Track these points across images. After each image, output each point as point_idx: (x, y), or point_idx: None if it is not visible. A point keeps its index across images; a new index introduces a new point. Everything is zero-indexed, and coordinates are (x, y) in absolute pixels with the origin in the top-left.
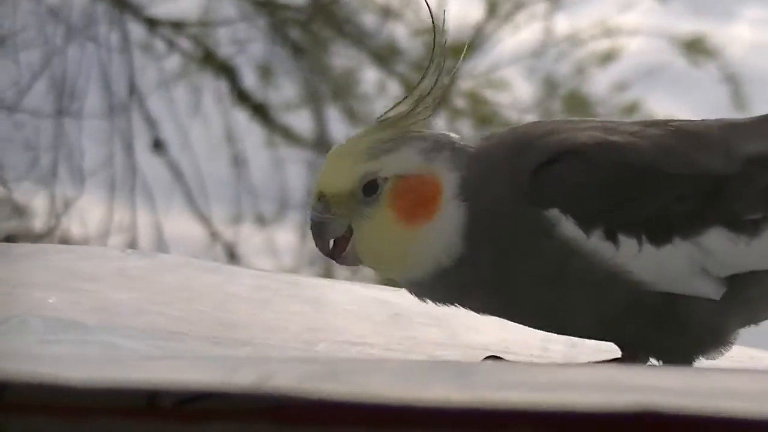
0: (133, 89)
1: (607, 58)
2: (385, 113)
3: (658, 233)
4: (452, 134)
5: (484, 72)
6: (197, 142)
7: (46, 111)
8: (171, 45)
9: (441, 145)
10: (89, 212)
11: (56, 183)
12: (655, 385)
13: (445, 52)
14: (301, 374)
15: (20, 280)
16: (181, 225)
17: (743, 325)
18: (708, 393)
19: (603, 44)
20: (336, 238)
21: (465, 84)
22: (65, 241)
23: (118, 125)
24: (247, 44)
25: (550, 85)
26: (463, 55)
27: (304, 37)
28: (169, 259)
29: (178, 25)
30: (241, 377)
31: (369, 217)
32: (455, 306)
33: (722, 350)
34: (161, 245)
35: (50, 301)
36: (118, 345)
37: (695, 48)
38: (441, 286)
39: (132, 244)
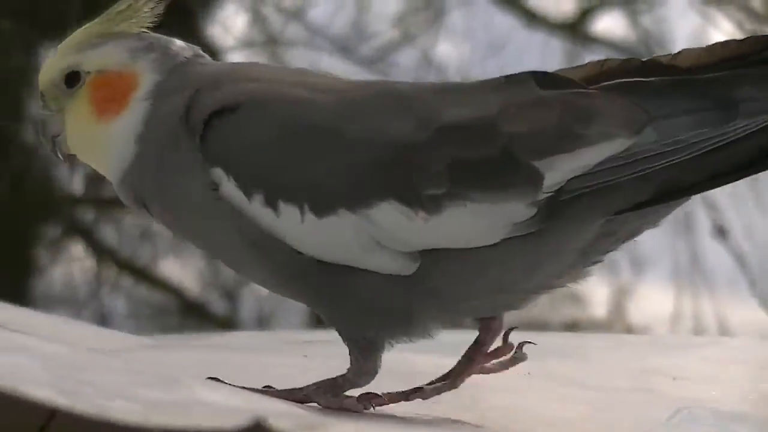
0: None
1: None
2: (110, 10)
3: (322, 202)
4: (180, 43)
5: None
6: (760, 228)
7: None
8: None
9: (152, 48)
10: (649, 299)
11: (617, 270)
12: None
13: None
14: None
15: (679, 373)
16: (746, 312)
17: (442, 317)
18: None
19: None
20: (57, 134)
21: None
22: (628, 329)
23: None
24: None
25: None
26: None
27: None
28: None
29: None
30: None
31: (72, 109)
32: (145, 211)
33: (413, 336)
34: (725, 332)
35: (712, 393)
36: None
37: None
38: (125, 188)
39: (696, 331)
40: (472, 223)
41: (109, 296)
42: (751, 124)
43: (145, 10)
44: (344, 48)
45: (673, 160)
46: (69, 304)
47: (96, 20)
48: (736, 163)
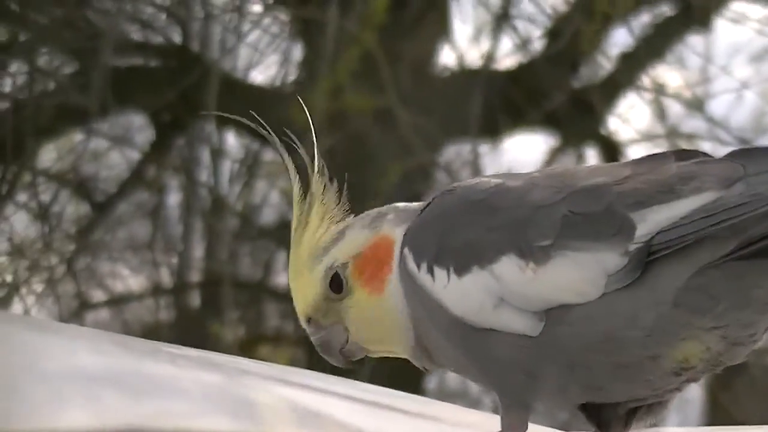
0: None
1: None
2: (294, 229)
3: (463, 262)
4: (399, 204)
5: None
6: None
7: None
8: None
9: (383, 213)
10: None
11: None
12: None
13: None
14: None
15: None
16: None
17: (569, 383)
18: None
19: None
20: (343, 345)
21: None
22: None
23: None
24: None
25: None
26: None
27: None
28: None
29: None
30: None
31: (351, 307)
32: (446, 370)
33: (551, 401)
34: None
35: None
36: None
37: None
38: (417, 356)
39: None
40: (572, 272)
41: None
42: None
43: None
44: (744, 140)
45: (756, 210)
46: (462, 396)
47: (298, 234)
48: None
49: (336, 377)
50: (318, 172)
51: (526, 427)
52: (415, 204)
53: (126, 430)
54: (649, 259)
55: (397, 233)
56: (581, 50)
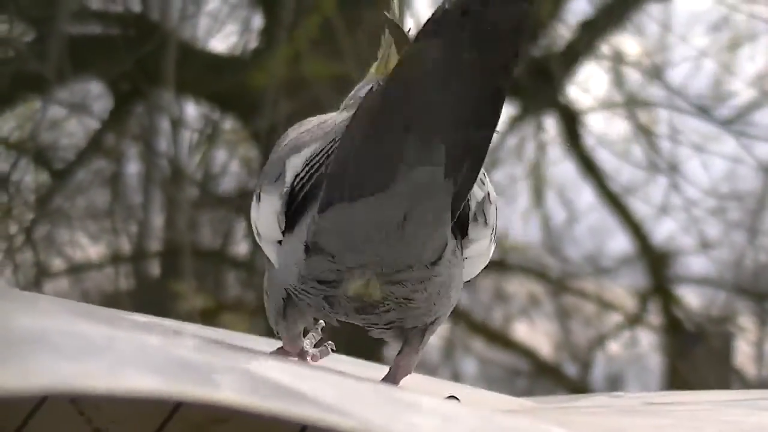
0: None
1: None
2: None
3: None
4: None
5: None
6: None
7: None
8: None
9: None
10: None
11: None
12: None
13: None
14: None
15: None
16: None
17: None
18: None
19: None
20: None
21: None
22: None
23: None
24: None
25: None
26: None
27: None
28: None
29: None
30: None
31: None
32: None
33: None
34: None
35: None
36: None
37: None
38: None
39: None
40: (265, 213)
41: (462, 359)
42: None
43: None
44: (702, 108)
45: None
46: (422, 367)
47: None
48: None
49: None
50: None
51: (299, 334)
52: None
53: (51, 388)
54: (297, 205)
55: None
56: (540, 19)
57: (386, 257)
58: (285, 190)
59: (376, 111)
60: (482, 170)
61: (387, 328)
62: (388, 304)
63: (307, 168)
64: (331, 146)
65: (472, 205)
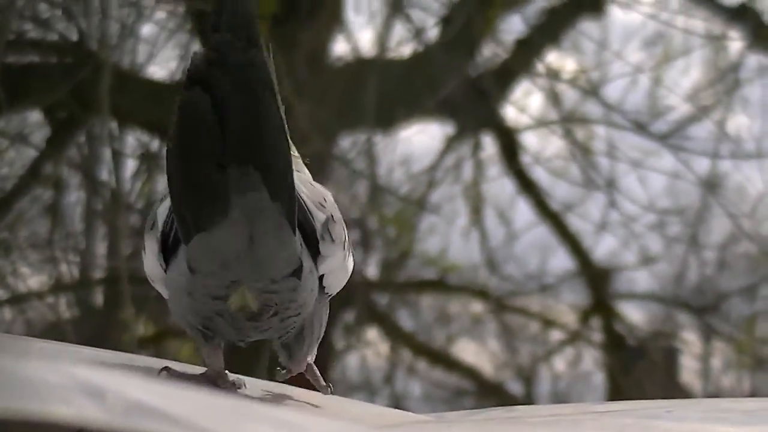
0: None
1: None
2: None
3: None
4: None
5: None
6: None
7: None
8: None
9: None
10: None
11: None
12: None
13: None
14: None
15: None
16: None
17: (204, 328)
18: None
19: None
20: None
21: None
22: None
23: None
24: None
25: None
26: None
27: None
28: None
29: None
30: None
31: None
32: None
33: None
34: None
35: None
36: None
37: None
38: None
39: None
40: (149, 258)
41: (404, 380)
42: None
43: None
44: (639, 124)
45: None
46: (364, 389)
47: None
48: None
49: (181, 363)
50: None
51: (219, 353)
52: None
53: None
54: (171, 245)
55: None
56: (476, 38)
57: (249, 273)
58: (158, 235)
59: (184, 157)
60: (323, 194)
61: (279, 337)
62: (269, 311)
63: (170, 212)
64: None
65: (318, 226)
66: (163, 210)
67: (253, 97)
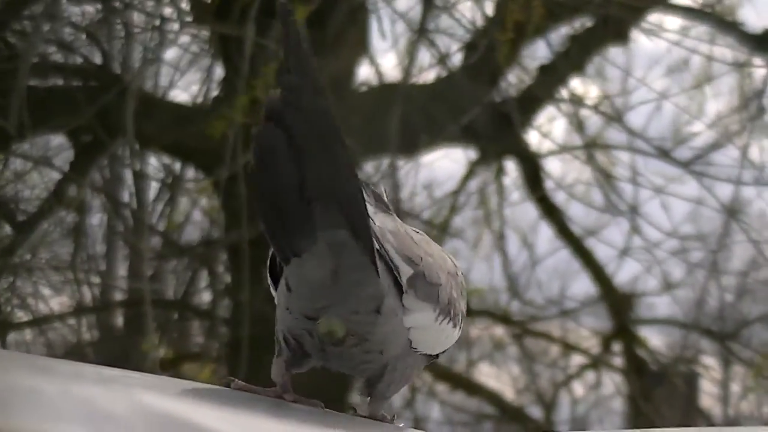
0: None
1: None
2: None
3: None
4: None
5: None
6: None
7: None
8: None
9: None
10: None
11: None
12: None
13: None
14: None
15: None
16: None
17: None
18: None
19: None
20: None
21: None
22: None
23: None
24: None
25: None
26: None
27: None
28: None
29: None
30: None
31: None
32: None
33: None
34: None
35: None
36: None
37: None
38: None
39: None
40: None
41: (425, 404)
42: None
43: None
44: (662, 150)
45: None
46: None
47: None
48: None
49: (218, 387)
50: None
51: (283, 370)
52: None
53: None
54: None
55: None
56: (499, 64)
57: (335, 301)
58: (269, 260)
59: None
60: (427, 253)
61: (358, 371)
62: (351, 339)
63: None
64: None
65: (403, 279)
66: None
67: (329, 143)
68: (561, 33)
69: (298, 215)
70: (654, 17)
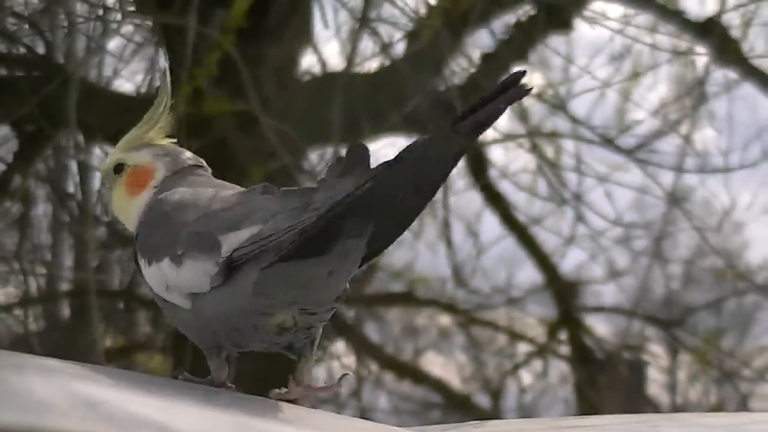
0: None
1: None
2: (146, 119)
3: (149, 258)
4: (189, 154)
5: None
6: None
7: None
8: None
9: (168, 154)
10: None
11: None
12: None
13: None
14: None
15: None
16: None
17: (221, 339)
18: None
19: None
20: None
21: None
22: None
23: None
24: None
25: None
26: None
27: None
28: None
29: None
30: None
31: (114, 188)
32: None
33: (228, 348)
34: None
35: None
36: None
37: None
38: (135, 244)
39: None
40: (192, 273)
41: (372, 393)
42: (313, 216)
43: (162, 121)
44: (606, 138)
45: (273, 239)
46: (331, 402)
47: (136, 127)
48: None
49: (159, 377)
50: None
51: (225, 366)
52: (189, 164)
53: None
54: (234, 265)
55: (158, 173)
56: (442, 52)
57: (311, 299)
58: (222, 259)
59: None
60: None
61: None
62: (301, 329)
63: (250, 243)
64: (285, 231)
65: None
66: (234, 240)
67: (424, 198)
68: (504, 21)
69: (333, 226)
70: (596, 5)
